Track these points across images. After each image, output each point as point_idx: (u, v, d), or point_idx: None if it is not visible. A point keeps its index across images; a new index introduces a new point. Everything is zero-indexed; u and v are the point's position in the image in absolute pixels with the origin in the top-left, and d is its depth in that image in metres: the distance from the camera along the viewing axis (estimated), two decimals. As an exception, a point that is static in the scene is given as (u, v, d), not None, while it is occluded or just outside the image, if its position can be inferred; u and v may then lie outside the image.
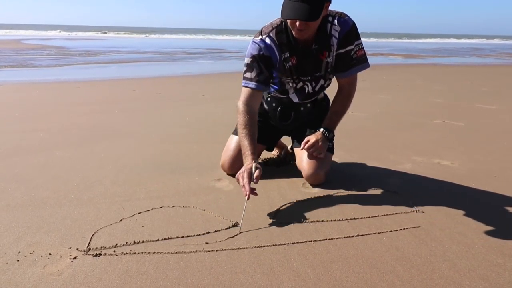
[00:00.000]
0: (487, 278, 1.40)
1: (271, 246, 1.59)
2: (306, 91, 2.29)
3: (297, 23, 1.92)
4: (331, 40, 2.09)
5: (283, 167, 2.60)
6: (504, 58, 17.26)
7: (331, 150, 2.35)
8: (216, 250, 1.55)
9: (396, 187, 2.25)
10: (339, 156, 2.78)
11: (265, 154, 2.72)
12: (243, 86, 2.12)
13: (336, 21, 2.06)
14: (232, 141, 2.41)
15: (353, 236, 1.68)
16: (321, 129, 2.23)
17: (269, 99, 2.43)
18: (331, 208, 1.95)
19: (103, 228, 1.72)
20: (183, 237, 1.65)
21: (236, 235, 1.67)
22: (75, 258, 1.48)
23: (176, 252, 1.53)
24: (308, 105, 2.38)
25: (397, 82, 7.59)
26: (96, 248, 1.55)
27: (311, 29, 1.97)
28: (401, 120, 4.16)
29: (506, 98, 5.79)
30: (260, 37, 2.11)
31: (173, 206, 1.96)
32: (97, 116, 4.18)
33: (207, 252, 1.54)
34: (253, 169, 1.86)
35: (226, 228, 1.73)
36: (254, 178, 1.84)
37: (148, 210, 1.91)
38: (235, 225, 1.76)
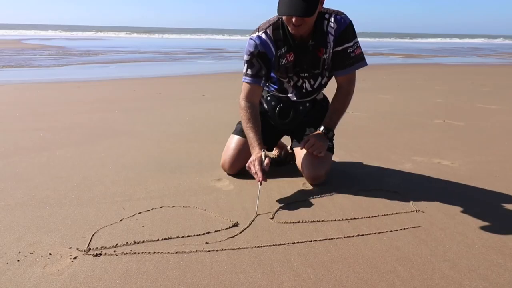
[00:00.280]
0: (488, 278, 1.40)
1: (271, 246, 1.59)
2: (305, 88, 2.29)
3: (293, 19, 1.96)
4: (327, 37, 2.12)
5: (283, 167, 2.60)
6: (504, 58, 17.25)
7: (331, 149, 2.35)
8: (216, 250, 1.55)
9: (396, 187, 2.25)
10: (340, 155, 2.78)
11: (268, 154, 2.72)
12: (244, 82, 2.19)
13: (332, 18, 2.10)
14: (233, 141, 2.42)
15: (353, 236, 1.68)
16: (321, 128, 2.24)
17: (268, 98, 2.45)
18: (331, 208, 1.95)
19: (103, 228, 1.72)
20: (183, 237, 1.65)
21: (236, 235, 1.67)
22: (75, 258, 1.48)
23: (176, 252, 1.53)
24: (307, 104, 2.39)
25: (397, 82, 7.59)
26: (97, 248, 1.55)
27: (307, 25, 2.02)
28: (401, 120, 4.16)
29: (507, 98, 5.79)
30: (257, 33, 2.15)
31: (173, 206, 1.96)
32: (97, 115, 4.18)
33: (207, 252, 1.54)
34: (263, 157, 1.99)
35: (226, 228, 1.73)
36: (264, 165, 1.98)
37: (149, 210, 1.91)
38: (235, 225, 1.76)
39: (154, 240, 1.61)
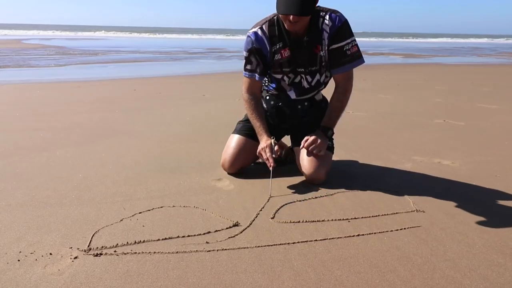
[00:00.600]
0: (488, 277, 1.40)
1: (271, 245, 1.59)
2: (303, 85, 2.32)
3: (291, 17, 2.02)
4: (322, 34, 2.17)
5: (284, 166, 2.60)
6: (505, 57, 17.25)
7: (331, 149, 2.35)
8: (217, 250, 1.55)
9: (396, 186, 2.25)
10: (340, 155, 2.78)
11: (266, 154, 2.72)
12: (244, 76, 2.32)
13: (327, 16, 2.15)
14: (233, 140, 2.42)
15: (353, 235, 1.68)
16: (320, 127, 2.25)
17: (267, 97, 2.46)
18: (332, 208, 1.95)
19: (103, 228, 1.72)
20: (183, 236, 1.65)
21: (236, 234, 1.67)
22: (76, 258, 1.48)
23: (177, 252, 1.53)
24: (306, 103, 2.40)
25: (397, 82, 7.59)
26: (97, 248, 1.55)
27: (303, 22, 2.09)
28: (401, 120, 4.16)
29: (507, 98, 5.79)
30: (253, 29, 2.24)
31: (173, 206, 1.96)
32: (97, 115, 4.18)
33: (207, 251, 1.54)
34: (273, 144, 2.14)
35: (227, 228, 1.73)
36: (274, 151, 2.13)
37: (149, 210, 1.91)
38: (236, 224, 1.76)
39: (154, 240, 1.61)
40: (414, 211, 1.93)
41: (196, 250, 1.54)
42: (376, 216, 1.87)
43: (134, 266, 1.44)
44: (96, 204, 1.97)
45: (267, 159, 2.14)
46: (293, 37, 2.18)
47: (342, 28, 2.15)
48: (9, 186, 2.19)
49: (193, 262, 1.46)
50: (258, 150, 2.21)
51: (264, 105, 2.47)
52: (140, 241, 1.60)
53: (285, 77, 2.32)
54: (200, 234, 1.67)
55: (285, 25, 2.12)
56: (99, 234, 1.66)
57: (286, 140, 2.66)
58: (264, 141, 2.19)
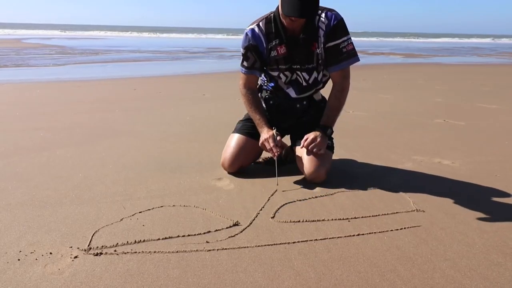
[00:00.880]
0: (488, 277, 1.40)
1: (271, 245, 1.59)
2: (301, 82, 2.34)
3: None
4: (318, 32, 2.20)
5: (284, 166, 2.59)
6: (505, 57, 17.24)
7: (331, 148, 2.36)
8: (217, 249, 1.55)
9: (397, 186, 2.25)
10: (340, 155, 2.78)
11: (266, 154, 2.72)
12: (241, 72, 2.38)
13: (323, 14, 2.19)
14: (233, 140, 2.42)
15: (353, 235, 1.68)
16: (320, 126, 2.26)
17: (266, 96, 2.47)
18: (332, 207, 1.95)
19: (104, 227, 1.72)
20: (183, 236, 1.65)
21: (236, 234, 1.67)
22: (76, 257, 1.48)
23: (177, 251, 1.53)
24: (304, 102, 2.42)
25: (398, 82, 7.59)
26: (97, 247, 1.55)
27: (302, 20, 2.13)
28: (402, 120, 4.16)
29: (507, 97, 5.79)
30: (250, 27, 2.28)
31: (173, 205, 1.96)
32: (98, 115, 4.18)
33: (208, 251, 1.54)
34: (275, 134, 2.19)
35: (227, 227, 1.73)
36: (277, 141, 2.19)
37: (149, 209, 1.91)
38: (236, 224, 1.76)
39: (154, 240, 1.62)
40: (414, 210, 1.93)
41: (196, 250, 1.54)
42: (376, 215, 1.87)
43: (134, 265, 1.44)
44: (96, 203, 1.97)
45: (271, 149, 2.19)
46: (290, 35, 2.21)
47: (338, 26, 2.19)
48: (9, 185, 2.19)
49: (193, 262, 1.46)
50: (260, 141, 2.24)
51: (264, 105, 2.48)
52: (140, 240, 1.60)
53: (281, 75, 2.34)
54: (200, 234, 1.67)
55: (285, 23, 2.16)
56: (99, 233, 1.66)
57: (286, 140, 2.66)
58: (266, 132, 2.24)
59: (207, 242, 1.60)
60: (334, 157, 2.48)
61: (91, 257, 1.48)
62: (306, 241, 1.62)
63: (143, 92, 5.83)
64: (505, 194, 2.17)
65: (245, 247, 1.57)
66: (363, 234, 1.69)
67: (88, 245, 1.56)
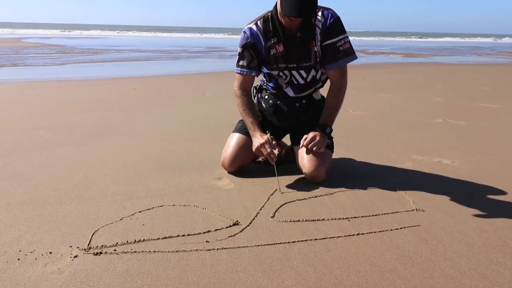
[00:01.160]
0: (488, 276, 1.40)
1: (271, 244, 1.59)
2: (298, 80, 2.35)
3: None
4: (315, 30, 2.22)
5: (284, 166, 2.59)
6: (505, 57, 17.24)
7: (331, 148, 2.36)
8: (217, 249, 1.55)
9: (396, 185, 2.25)
10: (340, 154, 2.78)
11: (266, 153, 2.72)
12: (236, 72, 2.37)
13: (320, 13, 2.20)
14: (233, 139, 2.42)
15: (353, 234, 1.68)
16: (319, 125, 2.27)
17: (266, 96, 2.48)
18: (332, 207, 1.95)
19: (103, 226, 1.72)
20: (183, 235, 1.65)
21: (236, 233, 1.67)
22: (75, 256, 1.48)
23: (177, 251, 1.53)
24: (303, 101, 2.42)
25: (397, 81, 7.59)
26: (97, 246, 1.55)
27: (300, 19, 2.15)
28: (402, 119, 4.16)
29: (507, 97, 5.78)
30: (248, 26, 2.29)
31: (173, 205, 1.96)
32: (98, 114, 4.18)
33: (207, 250, 1.54)
34: (270, 138, 2.17)
35: (227, 227, 1.73)
36: (273, 145, 2.17)
37: (149, 209, 1.91)
38: (236, 223, 1.76)
39: (154, 239, 1.62)
40: (414, 210, 1.93)
41: (196, 249, 1.54)
42: (376, 215, 1.87)
43: (134, 265, 1.44)
44: (96, 203, 1.97)
45: (269, 154, 2.17)
46: (287, 33, 2.23)
47: (334, 24, 2.20)
48: (9, 185, 2.19)
49: (193, 261, 1.46)
50: (255, 147, 2.21)
51: (263, 104, 2.49)
52: (140, 240, 1.60)
53: (281, 73, 2.34)
54: (200, 233, 1.67)
55: (283, 21, 2.18)
56: (99, 233, 1.66)
57: (286, 139, 2.66)
58: (259, 137, 2.21)
59: (207, 241, 1.60)
60: (334, 156, 2.48)
61: (91, 256, 1.48)
62: (306, 240, 1.62)
63: (143, 92, 5.82)
64: (505, 194, 2.17)
65: (245, 247, 1.57)
66: (363, 234, 1.68)
67: (88, 245, 1.56)
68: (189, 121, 3.96)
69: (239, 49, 2.32)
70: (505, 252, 1.55)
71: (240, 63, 2.33)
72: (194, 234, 1.66)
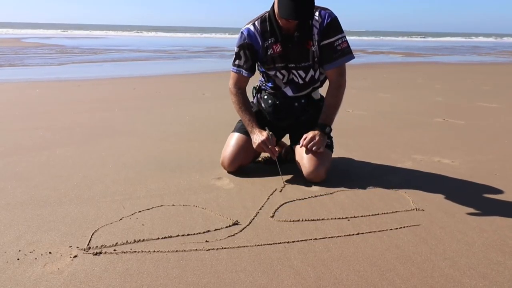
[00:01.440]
0: (487, 276, 1.40)
1: (271, 244, 1.59)
2: (297, 81, 2.35)
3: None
4: (312, 30, 2.22)
5: (284, 165, 2.59)
6: (505, 56, 17.24)
7: (331, 147, 2.36)
8: (217, 249, 1.55)
9: (396, 185, 2.25)
10: (340, 154, 2.78)
11: (265, 153, 2.72)
12: (232, 71, 2.41)
13: (317, 13, 2.21)
14: (232, 139, 2.42)
15: (353, 234, 1.68)
16: (318, 124, 2.27)
17: (265, 97, 2.48)
18: (332, 207, 1.95)
19: (103, 226, 1.72)
20: (183, 235, 1.65)
21: (236, 233, 1.67)
22: (75, 256, 1.48)
23: (177, 251, 1.53)
24: (302, 100, 2.42)
25: (397, 81, 7.59)
26: (97, 246, 1.55)
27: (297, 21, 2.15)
28: (401, 119, 4.16)
29: (507, 96, 5.78)
30: (246, 26, 2.31)
31: (173, 205, 1.96)
32: (97, 114, 4.18)
33: (207, 250, 1.54)
34: (270, 135, 2.20)
35: (227, 227, 1.73)
36: (272, 141, 2.20)
37: (149, 209, 1.91)
38: (236, 223, 1.76)
39: (154, 239, 1.62)
40: (413, 209, 1.93)
41: (196, 249, 1.54)
42: (376, 214, 1.87)
43: (134, 265, 1.44)
44: (95, 203, 1.97)
45: (270, 150, 2.21)
46: (285, 33, 2.23)
47: (331, 24, 2.21)
48: (9, 185, 2.19)
49: (193, 261, 1.47)
50: (256, 144, 2.22)
51: (262, 104, 2.50)
52: (140, 240, 1.60)
53: (278, 74, 2.35)
54: (199, 233, 1.67)
55: (280, 22, 2.19)
56: (99, 233, 1.66)
57: (286, 139, 2.66)
58: (258, 133, 2.23)
59: (206, 241, 1.60)
60: (334, 156, 2.48)
61: (90, 256, 1.48)
62: (306, 240, 1.62)
63: (143, 92, 5.82)
64: (504, 193, 2.17)
65: (244, 247, 1.57)
66: (362, 233, 1.68)
67: (88, 245, 1.56)
68: (189, 121, 3.96)
69: (236, 49, 2.36)
70: (505, 252, 1.55)
71: (236, 62, 2.37)
72: (194, 234, 1.66)
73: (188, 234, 1.66)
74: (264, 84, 2.51)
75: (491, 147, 3.10)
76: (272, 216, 1.84)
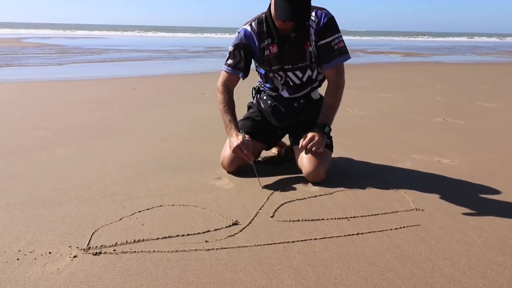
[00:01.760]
0: (487, 276, 1.40)
1: (271, 244, 1.59)
2: (292, 82, 2.36)
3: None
4: (309, 30, 2.22)
5: (283, 165, 2.60)
6: (504, 56, 17.24)
7: (330, 147, 2.36)
8: (216, 249, 1.55)
9: (396, 185, 2.25)
10: (340, 154, 2.78)
11: (266, 153, 2.73)
12: (223, 70, 2.38)
13: (314, 13, 2.21)
14: (232, 139, 2.42)
15: (353, 234, 1.68)
16: (317, 124, 2.27)
17: (265, 97, 2.48)
18: (331, 207, 1.95)
19: (103, 226, 1.72)
20: (183, 235, 1.65)
21: (236, 233, 1.67)
22: (75, 256, 1.48)
23: (176, 251, 1.53)
24: (302, 100, 2.42)
25: (397, 81, 7.59)
26: (96, 246, 1.55)
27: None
28: (401, 119, 4.16)
29: (507, 96, 5.78)
30: (243, 26, 2.32)
31: (173, 205, 1.96)
32: (97, 114, 4.18)
33: (207, 250, 1.54)
34: (246, 139, 2.19)
35: (226, 227, 1.73)
36: (247, 145, 2.18)
37: (148, 209, 1.91)
38: (235, 223, 1.76)
39: (154, 239, 1.62)
40: (413, 209, 1.93)
41: (196, 249, 1.54)
42: (376, 214, 1.87)
43: (134, 265, 1.44)
44: (95, 203, 1.97)
45: (245, 154, 2.18)
46: (281, 34, 2.23)
47: (328, 24, 2.21)
48: (9, 185, 2.19)
49: (193, 261, 1.46)
50: (232, 148, 2.20)
51: (262, 105, 2.50)
52: (140, 240, 1.60)
53: (275, 75, 2.35)
54: (199, 233, 1.67)
55: (277, 24, 2.18)
56: (99, 233, 1.66)
57: (286, 139, 2.66)
58: (235, 136, 2.21)
59: (206, 241, 1.60)
60: (334, 156, 2.48)
61: (90, 256, 1.48)
62: (306, 240, 1.62)
63: (142, 92, 5.82)
64: (504, 193, 2.17)
65: (244, 246, 1.57)
66: (362, 233, 1.68)
67: (87, 245, 1.56)
68: (189, 121, 3.96)
69: (230, 48, 2.35)
70: (505, 252, 1.55)
71: (228, 61, 2.35)
72: (194, 234, 1.66)
73: (188, 234, 1.66)
74: (262, 85, 2.51)
75: (491, 147, 3.10)
76: (272, 216, 1.84)
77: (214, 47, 20.30)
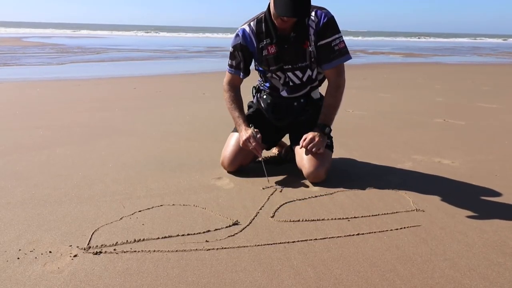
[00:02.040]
0: (488, 277, 1.40)
1: (271, 244, 1.59)
2: (292, 82, 2.35)
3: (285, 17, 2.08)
4: (308, 30, 2.21)
5: (284, 165, 2.59)
6: (505, 57, 17.24)
7: (330, 148, 2.35)
8: (216, 249, 1.55)
9: (396, 185, 2.24)
10: (340, 154, 2.78)
11: (266, 153, 2.72)
12: (227, 70, 2.43)
13: (313, 13, 2.20)
14: (232, 139, 2.42)
15: (353, 234, 1.68)
16: (317, 125, 2.27)
17: (264, 96, 2.48)
18: (332, 207, 1.95)
19: (103, 226, 1.72)
20: (183, 235, 1.65)
21: (236, 233, 1.67)
22: (75, 256, 1.48)
23: (177, 251, 1.53)
24: (302, 100, 2.42)
25: (398, 81, 7.59)
26: (97, 246, 1.55)
27: (293, 20, 2.14)
28: (401, 119, 4.15)
29: (507, 97, 5.78)
30: (242, 27, 2.32)
31: (173, 204, 1.96)
32: (97, 114, 4.18)
33: (207, 250, 1.54)
34: (255, 132, 2.20)
35: (227, 227, 1.73)
36: (258, 138, 2.19)
37: (149, 208, 1.91)
38: (236, 223, 1.76)
39: (154, 239, 1.61)
40: (414, 210, 1.93)
41: (196, 249, 1.54)
42: (376, 215, 1.87)
43: (134, 264, 1.44)
44: (95, 202, 1.97)
45: (254, 148, 2.20)
46: (280, 34, 2.22)
47: (328, 24, 2.20)
48: (9, 184, 2.19)
49: (193, 261, 1.46)
50: (241, 142, 2.24)
51: (262, 104, 2.50)
52: (140, 239, 1.60)
53: (273, 75, 2.36)
54: (199, 233, 1.67)
55: (276, 23, 2.18)
56: (99, 232, 1.66)
57: (286, 139, 2.66)
58: (244, 131, 2.24)
59: (206, 241, 1.60)
60: (334, 156, 2.48)
61: (90, 256, 1.48)
62: (306, 240, 1.62)
63: (143, 91, 5.82)
64: (505, 194, 2.17)
65: (244, 246, 1.57)
66: (362, 234, 1.68)
67: (88, 244, 1.56)
68: (189, 121, 3.96)
69: (231, 49, 2.38)
70: (505, 253, 1.55)
71: (230, 62, 2.39)
72: (194, 233, 1.66)
73: (188, 234, 1.66)
74: (262, 85, 2.51)
75: (491, 148, 3.10)
76: (272, 216, 1.84)
77: (215, 47, 20.30)
